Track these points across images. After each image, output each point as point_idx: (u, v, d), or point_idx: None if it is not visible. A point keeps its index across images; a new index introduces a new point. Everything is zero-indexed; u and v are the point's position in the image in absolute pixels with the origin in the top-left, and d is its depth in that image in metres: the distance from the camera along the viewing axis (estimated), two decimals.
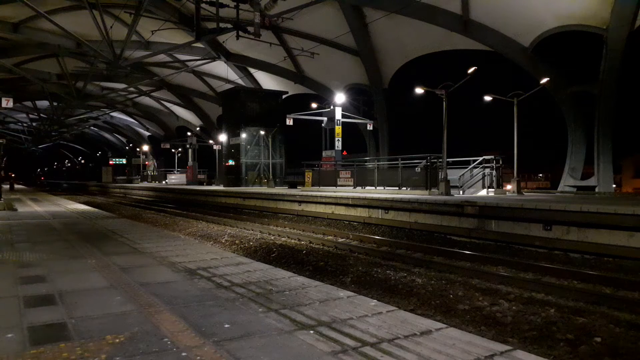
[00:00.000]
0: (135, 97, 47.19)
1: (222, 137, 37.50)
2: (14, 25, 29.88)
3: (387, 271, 8.69)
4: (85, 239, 7.60)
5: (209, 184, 45.19)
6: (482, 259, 9.49)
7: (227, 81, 34.80)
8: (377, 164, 23.58)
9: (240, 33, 18.10)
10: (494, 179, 17.83)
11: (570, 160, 23.60)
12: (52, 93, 39.80)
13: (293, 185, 30.31)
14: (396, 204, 15.19)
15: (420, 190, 17.54)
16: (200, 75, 39.88)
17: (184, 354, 2.67)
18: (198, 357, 2.62)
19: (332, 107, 26.68)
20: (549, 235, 10.84)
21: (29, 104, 48.67)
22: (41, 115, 49.11)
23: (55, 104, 42.42)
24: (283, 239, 13.42)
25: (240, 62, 35.73)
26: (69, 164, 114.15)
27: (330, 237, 13.22)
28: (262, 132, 34.08)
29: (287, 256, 10.62)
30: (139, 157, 62.34)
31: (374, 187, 20.20)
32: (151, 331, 3.05)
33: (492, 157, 17.87)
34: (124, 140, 77.35)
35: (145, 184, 51.83)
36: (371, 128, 30.72)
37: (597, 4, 19.75)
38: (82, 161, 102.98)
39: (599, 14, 19.98)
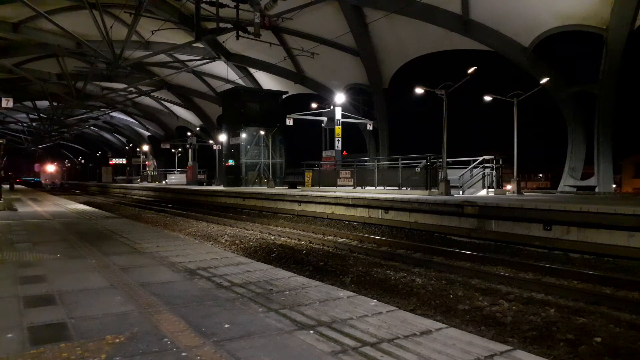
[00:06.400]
0: (135, 97, 47.23)
1: (222, 137, 37.49)
2: (14, 25, 29.88)
3: (387, 271, 8.69)
4: (85, 239, 7.59)
5: (209, 184, 45.19)
6: (482, 259, 9.49)
7: (227, 81, 34.80)
8: (377, 164, 23.57)
9: (240, 33, 18.12)
10: (493, 179, 17.84)
11: (570, 160, 23.60)
12: (52, 93, 39.87)
13: (293, 185, 30.32)
14: (396, 204, 15.19)
15: (420, 190, 17.54)
16: (200, 75, 39.89)
17: (184, 354, 2.67)
18: (198, 357, 2.62)
19: (332, 107, 26.68)
20: (549, 235, 10.84)
21: (29, 104, 48.69)
22: (41, 115, 49.12)
23: (55, 104, 42.48)
24: (283, 239, 13.42)
25: (240, 62, 35.74)
26: (69, 164, 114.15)
27: (330, 237, 13.22)
28: (262, 132, 34.08)
29: (287, 256, 10.62)
30: (139, 157, 62.35)
31: (374, 187, 20.20)
32: (151, 331, 3.05)
33: (492, 157, 17.88)
34: (124, 140, 77.38)
35: (145, 184, 51.83)
36: (371, 128, 30.72)
37: (597, 4, 19.75)
38: (82, 161, 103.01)
39: (599, 14, 19.98)
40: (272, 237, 13.71)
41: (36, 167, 74.01)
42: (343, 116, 26.75)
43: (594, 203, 11.46)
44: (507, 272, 8.44)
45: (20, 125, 61.95)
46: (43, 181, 73.90)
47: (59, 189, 62.81)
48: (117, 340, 2.87)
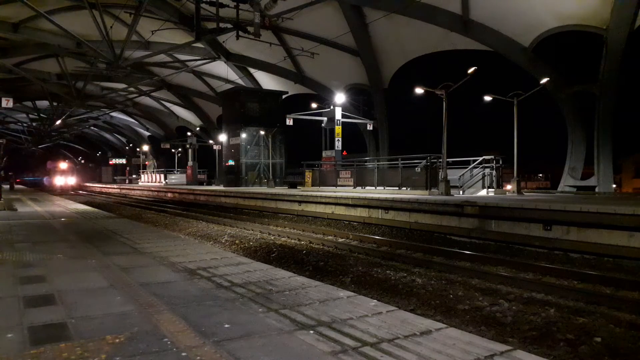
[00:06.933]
0: (135, 97, 47.20)
1: (222, 137, 37.49)
2: (14, 25, 29.87)
3: (387, 271, 8.69)
4: (85, 239, 7.59)
5: (209, 184, 45.20)
6: (482, 259, 9.49)
7: (227, 81, 34.80)
8: (377, 164, 23.58)
9: (240, 33, 18.13)
10: (493, 179, 17.84)
11: (570, 160, 23.60)
12: (52, 93, 39.84)
13: (293, 185, 30.31)
14: (396, 204, 15.18)
15: (420, 190, 17.54)
16: (200, 75, 39.88)
17: (184, 354, 2.67)
18: (198, 357, 2.62)
19: (332, 107, 26.68)
20: (549, 235, 10.83)
21: (29, 104, 48.67)
22: (41, 115, 49.10)
23: (55, 104, 42.46)
24: (283, 239, 13.41)
25: (240, 62, 35.73)
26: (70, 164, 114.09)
27: (330, 237, 13.22)
28: (262, 132, 34.07)
29: (287, 256, 10.62)
30: (139, 157, 62.30)
31: (373, 187, 20.20)
32: (151, 331, 3.05)
33: (492, 157, 17.88)
34: (124, 140, 77.34)
35: (146, 184, 51.79)
36: (371, 128, 30.73)
37: (597, 4, 19.75)
38: (82, 161, 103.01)
39: (599, 14, 19.98)
40: (272, 237, 13.71)
41: (48, 164, 69.56)
42: (343, 116, 26.76)
43: (593, 203, 11.46)
44: (507, 272, 8.44)
45: (20, 125, 61.85)
46: (55, 181, 63.30)
47: (74, 191, 54.21)
48: (117, 340, 2.87)
